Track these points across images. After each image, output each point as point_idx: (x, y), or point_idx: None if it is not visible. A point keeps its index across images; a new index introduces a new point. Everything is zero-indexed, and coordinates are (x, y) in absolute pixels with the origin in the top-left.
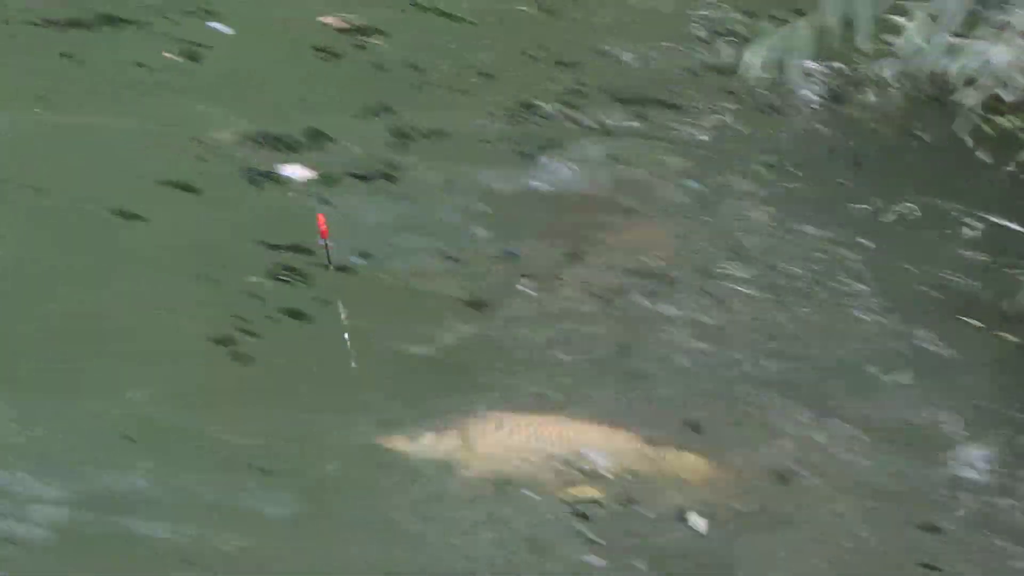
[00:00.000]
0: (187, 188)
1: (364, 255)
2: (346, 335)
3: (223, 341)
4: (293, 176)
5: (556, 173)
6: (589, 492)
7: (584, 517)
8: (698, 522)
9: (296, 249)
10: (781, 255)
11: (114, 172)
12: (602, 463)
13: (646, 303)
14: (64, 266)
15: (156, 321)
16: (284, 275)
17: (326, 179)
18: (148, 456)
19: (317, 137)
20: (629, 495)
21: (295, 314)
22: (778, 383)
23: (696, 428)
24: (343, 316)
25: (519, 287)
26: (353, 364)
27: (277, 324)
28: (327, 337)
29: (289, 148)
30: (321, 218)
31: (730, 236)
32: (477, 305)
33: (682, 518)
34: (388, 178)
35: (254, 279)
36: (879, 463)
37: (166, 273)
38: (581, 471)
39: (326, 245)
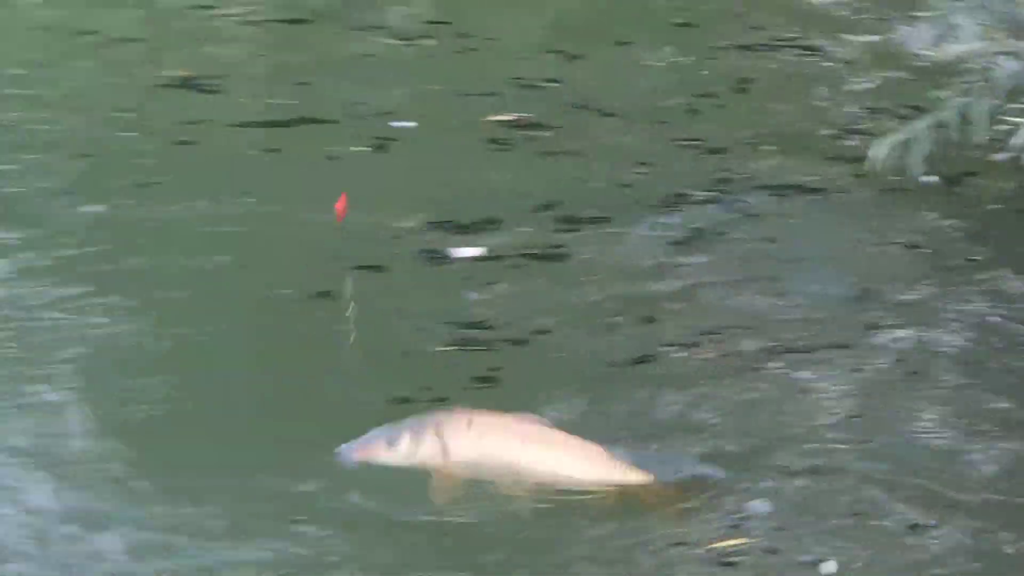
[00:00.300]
0: (375, 268)
1: (535, 327)
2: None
3: (407, 401)
4: (467, 256)
5: (705, 257)
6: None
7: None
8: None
9: (476, 325)
10: (918, 323)
11: (310, 256)
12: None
13: (785, 371)
14: (262, 343)
15: (347, 394)
16: (466, 346)
17: (498, 259)
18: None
19: (490, 222)
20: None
21: (481, 379)
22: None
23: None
24: (350, 308)
25: (669, 353)
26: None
27: (464, 390)
28: (511, 403)
29: (465, 231)
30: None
31: (869, 308)
32: (640, 361)
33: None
34: (555, 258)
35: (437, 350)
36: None
37: (355, 347)
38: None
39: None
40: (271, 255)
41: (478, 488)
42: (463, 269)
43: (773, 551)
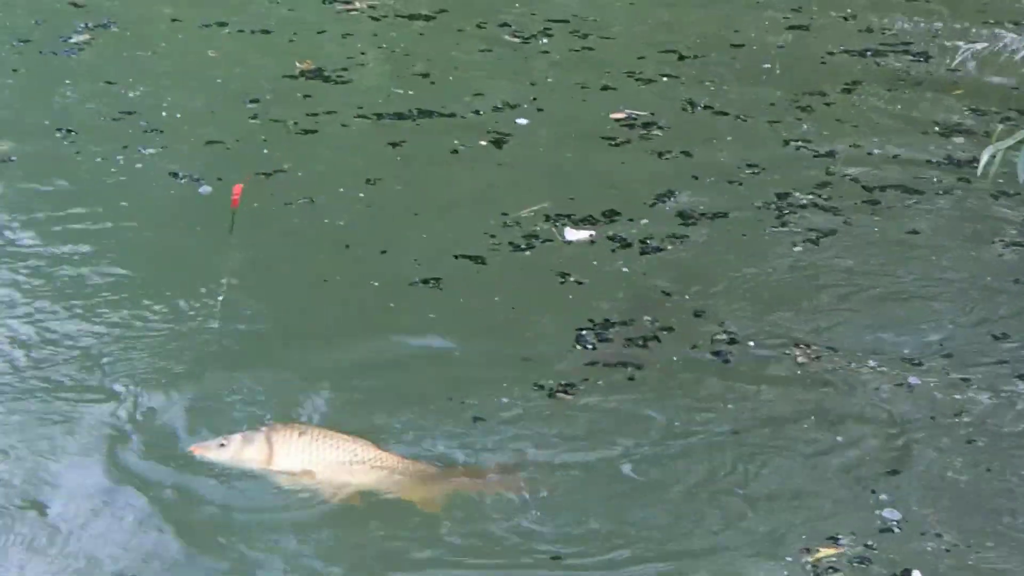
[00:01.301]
0: (476, 260)
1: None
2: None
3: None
4: (576, 239)
5: (802, 247)
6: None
7: None
8: None
9: (630, 322)
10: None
11: (417, 243)
12: None
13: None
14: (362, 324)
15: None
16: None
17: (618, 241)
18: None
19: (609, 214)
20: None
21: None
22: None
23: None
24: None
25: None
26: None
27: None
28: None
29: (584, 223)
30: (238, 189)
31: (982, 311)
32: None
33: None
34: (675, 239)
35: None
36: None
37: (458, 337)
38: None
39: (233, 215)
40: (382, 240)
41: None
42: (567, 251)
43: None
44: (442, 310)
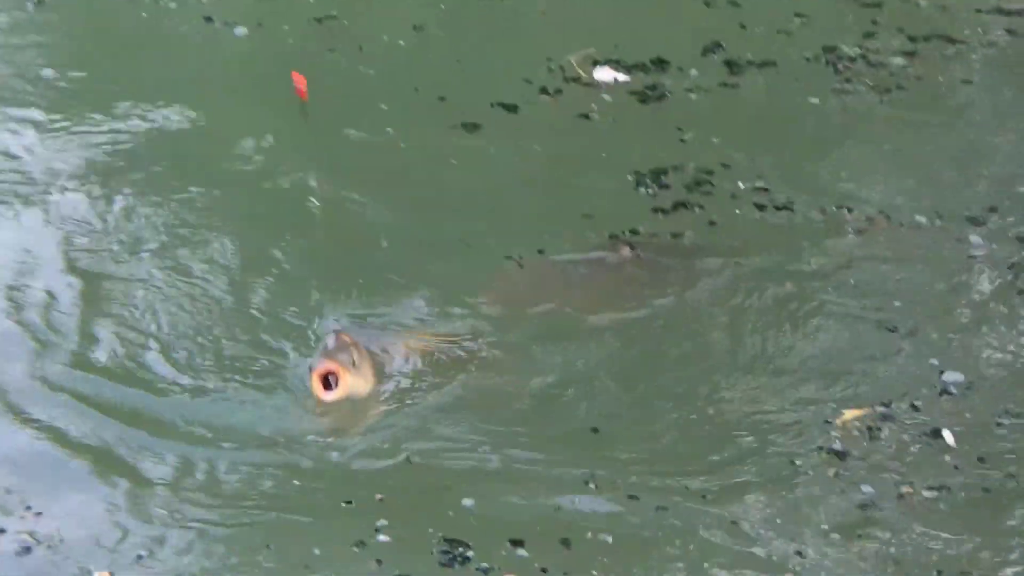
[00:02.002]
0: (510, 109)
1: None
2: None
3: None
4: (606, 81)
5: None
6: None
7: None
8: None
9: (676, 167)
10: None
11: (458, 90)
12: None
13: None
14: (404, 167)
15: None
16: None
17: (652, 89)
18: None
19: (658, 63)
20: None
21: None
22: None
23: None
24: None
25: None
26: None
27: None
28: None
29: (631, 70)
30: (301, 81)
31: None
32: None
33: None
34: (724, 87)
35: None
36: None
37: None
38: None
39: (303, 106)
40: (424, 83)
41: None
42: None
43: None
44: (483, 159)
